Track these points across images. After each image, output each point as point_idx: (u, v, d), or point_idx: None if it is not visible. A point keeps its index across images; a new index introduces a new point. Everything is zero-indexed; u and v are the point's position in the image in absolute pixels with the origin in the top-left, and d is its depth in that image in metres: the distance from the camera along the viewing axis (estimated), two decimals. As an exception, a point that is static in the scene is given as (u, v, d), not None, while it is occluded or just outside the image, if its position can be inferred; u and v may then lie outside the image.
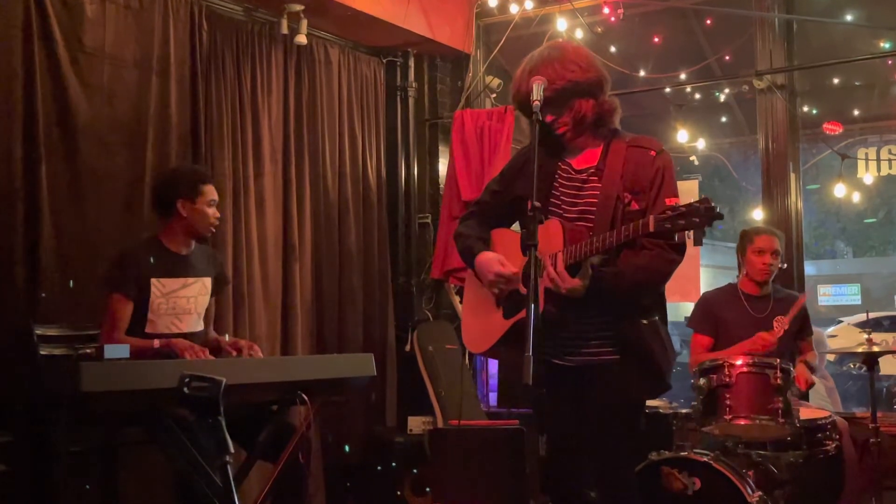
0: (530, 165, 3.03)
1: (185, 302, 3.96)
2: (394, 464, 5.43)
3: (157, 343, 3.75)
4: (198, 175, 4.07)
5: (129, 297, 3.82)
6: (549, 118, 2.99)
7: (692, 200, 2.60)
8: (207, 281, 4.08)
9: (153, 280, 3.86)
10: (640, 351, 2.93)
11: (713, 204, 2.56)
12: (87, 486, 3.68)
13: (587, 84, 2.97)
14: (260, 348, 5.05)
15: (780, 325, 4.60)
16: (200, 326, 4.05)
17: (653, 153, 2.95)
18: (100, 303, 3.90)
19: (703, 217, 2.56)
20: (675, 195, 2.86)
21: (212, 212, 3.98)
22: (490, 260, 3.04)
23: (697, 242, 2.81)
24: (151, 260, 3.90)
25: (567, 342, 2.99)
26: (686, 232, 2.61)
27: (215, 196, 4.01)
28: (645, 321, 2.95)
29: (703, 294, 5.03)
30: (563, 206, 3.00)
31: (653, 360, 2.95)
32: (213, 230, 4.07)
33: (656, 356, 2.95)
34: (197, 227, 3.97)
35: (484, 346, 3.15)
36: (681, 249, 2.89)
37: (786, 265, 4.82)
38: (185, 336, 3.90)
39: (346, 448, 5.59)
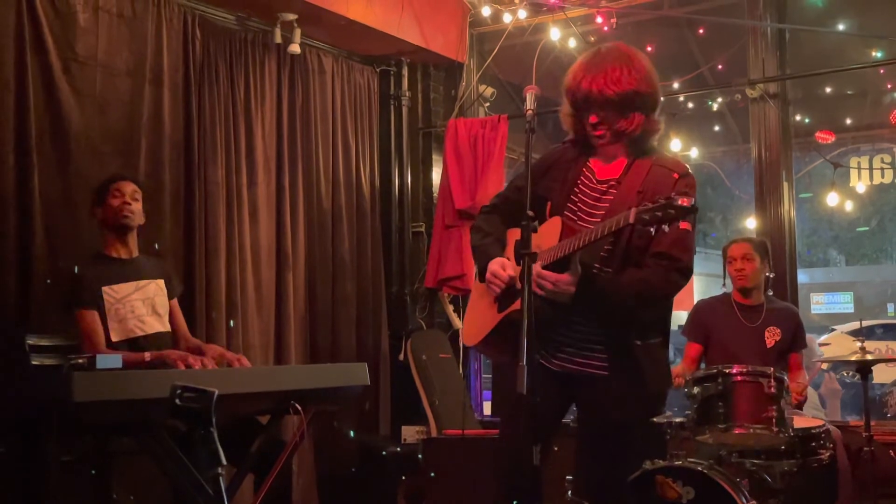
0: (558, 168, 3.03)
1: (141, 304, 3.96)
2: (387, 473, 5.42)
3: (148, 356, 3.74)
4: (106, 179, 4.06)
5: (90, 307, 3.83)
6: (593, 119, 2.92)
7: (672, 194, 2.58)
8: (161, 283, 4.08)
9: (104, 288, 3.87)
10: (630, 371, 2.89)
11: (690, 197, 2.53)
12: (79, 497, 3.67)
13: (645, 97, 2.91)
14: (253, 357, 5.08)
15: (773, 336, 4.62)
16: (166, 327, 4.05)
17: (675, 175, 2.87)
18: (71, 326, 3.89)
19: (678, 210, 2.52)
20: (691, 221, 2.77)
21: (116, 201, 3.94)
22: (493, 262, 3.02)
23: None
24: (96, 270, 3.90)
25: (557, 346, 2.96)
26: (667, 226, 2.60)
27: (121, 188, 3.96)
28: (639, 342, 2.91)
29: (698, 302, 5.04)
30: (579, 213, 2.97)
31: (643, 383, 2.91)
32: (128, 215, 3.96)
33: (647, 379, 2.91)
34: (113, 221, 3.95)
35: (475, 339, 3.14)
36: (685, 273, 2.87)
37: (773, 274, 4.83)
38: (150, 337, 3.93)
39: (352, 433, 5.58)
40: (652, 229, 2.60)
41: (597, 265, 2.85)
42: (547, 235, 2.87)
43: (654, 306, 2.96)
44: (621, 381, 2.89)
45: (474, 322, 3.21)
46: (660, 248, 2.85)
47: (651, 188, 2.86)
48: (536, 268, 2.77)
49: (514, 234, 3.10)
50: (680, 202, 2.51)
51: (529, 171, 2.79)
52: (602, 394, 2.90)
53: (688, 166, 3.00)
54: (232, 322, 5.01)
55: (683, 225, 2.66)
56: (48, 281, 4.23)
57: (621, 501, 3.04)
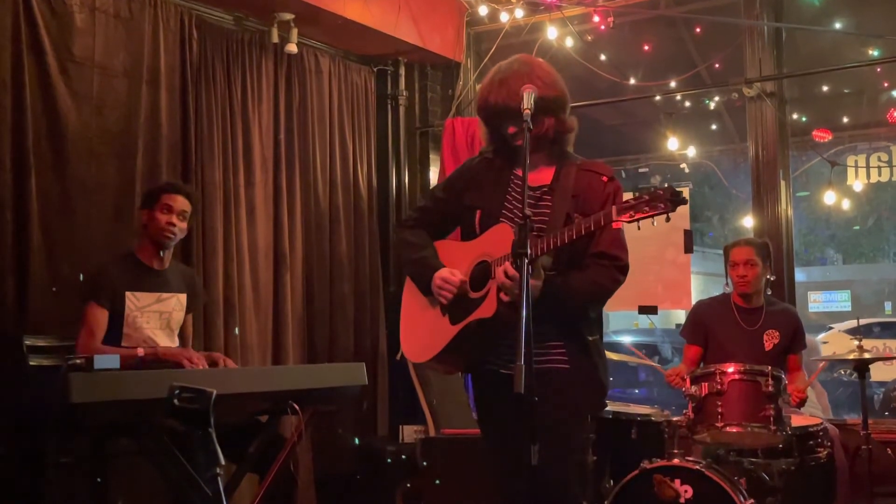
0: (484, 178, 3.06)
1: (158, 317, 3.96)
2: (386, 473, 5.42)
3: (141, 351, 3.75)
4: (163, 185, 4.10)
5: (103, 305, 3.83)
6: (511, 130, 2.97)
7: (653, 188, 2.58)
8: (182, 297, 4.09)
9: (128, 293, 3.88)
10: (587, 364, 2.95)
11: (677, 189, 2.54)
12: (78, 498, 3.67)
13: (553, 101, 2.97)
14: (250, 357, 5.08)
15: (771, 339, 4.62)
16: (176, 342, 4.05)
17: (605, 178, 2.96)
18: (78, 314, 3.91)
19: (667, 203, 2.54)
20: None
21: (164, 217, 3.94)
22: (441, 270, 3.02)
23: (688, 250, 2.80)
24: (125, 273, 3.91)
25: (512, 349, 2.93)
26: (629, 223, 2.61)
27: (174, 203, 3.97)
28: (590, 337, 2.97)
29: (696, 303, 5.04)
30: (515, 221, 2.95)
31: (597, 376, 2.97)
32: (169, 237, 3.97)
33: (601, 372, 2.98)
34: (154, 235, 3.96)
35: (427, 355, 3.09)
36: (625, 270, 2.94)
37: (773, 277, 4.83)
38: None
39: (356, 440, 5.59)
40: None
41: (549, 269, 2.87)
42: (496, 242, 2.88)
43: (600, 304, 3.04)
44: (580, 374, 2.93)
45: (422, 337, 3.14)
46: (599, 249, 2.92)
47: (583, 192, 2.94)
48: (511, 271, 2.75)
49: (442, 247, 3.15)
50: (670, 193, 2.53)
51: (491, 175, 2.76)
52: (562, 388, 2.91)
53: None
54: (236, 329, 5.01)
55: (616, 225, 2.70)
56: (70, 278, 4.23)
57: (571, 491, 3.02)
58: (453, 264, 3.03)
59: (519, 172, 3.02)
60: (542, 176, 3.03)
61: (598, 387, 3.00)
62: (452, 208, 3.14)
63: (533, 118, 2.91)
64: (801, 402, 4.51)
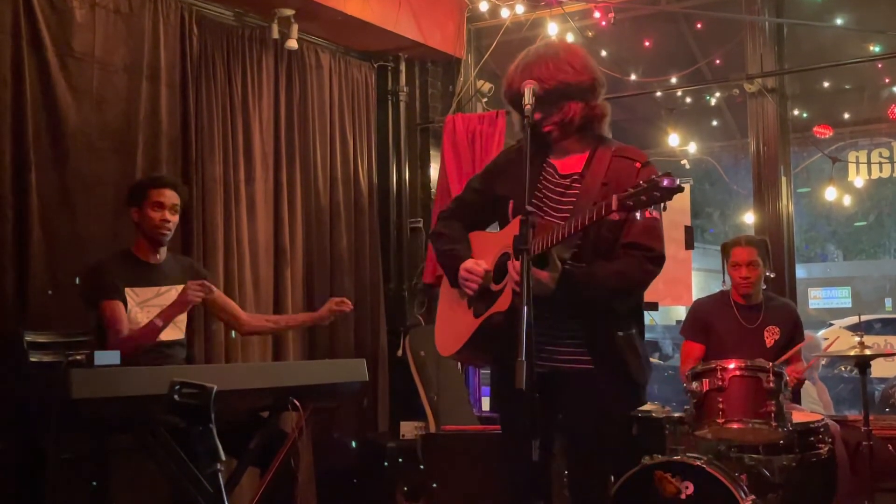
0: (515, 167, 2.97)
1: (159, 311, 3.94)
2: (386, 469, 5.42)
3: (159, 322, 3.78)
4: (147, 180, 4.09)
5: (115, 298, 3.84)
6: (536, 116, 2.92)
7: (653, 176, 2.54)
8: (182, 288, 4.07)
9: (127, 289, 3.89)
10: (614, 362, 2.87)
11: (674, 177, 2.50)
12: (78, 494, 3.66)
13: (578, 86, 2.93)
14: (251, 353, 5.09)
15: (772, 335, 4.62)
16: (181, 335, 4.05)
17: (638, 165, 2.89)
18: (92, 319, 3.91)
19: (663, 191, 2.49)
20: (657, 208, 2.72)
21: (156, 214, 3.94)
22: (466, 261, 3.00)
23: (689, 246, 2.78)
24: (123, 270, 3.92)
25: (537, 346, 2.83)
26: (655, 207, 2.55)
27: (163, 199, 3.96)
28: (620, 333, 2.90)
29: (695, 301, 5.04)
30: (544, 209, 2.95)
31: (628, 373, 2.90)
32: (165, 233, 3.99)
33: (632, 369, 2.90)
34: (149, 233, 3.97)
35: (453, 348, 3.09)
36: (658, 261, 2.86)
37: (773, 274, 4.82)
38: (165, 345, 3.93)
39: (353, 444, 5.60)
40: (632, 216, 2.59)
41: (569, 261, 2.82)
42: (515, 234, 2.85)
43: (630, 297, 2.95)
44: (608, 372, 2.87)
45: (449, 330, 3.15)
46: (630, 239, 2.85)
47: (615, 179, 2.86)
48: (517, 266, 2.70)
49: (476, 238, 3.12)
50: (665, 183, 2.48)
51: (520, 164, 2.74)
52: (589, 387, 2.87)
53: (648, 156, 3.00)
54: (233, 333, 5.00)
55: (614, 216, 2.64)
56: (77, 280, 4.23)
57: (608, 493, 3.01)
58: (482, 256, 3.00)
59: (552, 160, 3.01)
60: (573, 163, 2.99)
61: (629, 386, 2.93)
62: (487, 199, 3.11)
63: (555, 104, 2.91)
64: (799, 384, 4.51)
